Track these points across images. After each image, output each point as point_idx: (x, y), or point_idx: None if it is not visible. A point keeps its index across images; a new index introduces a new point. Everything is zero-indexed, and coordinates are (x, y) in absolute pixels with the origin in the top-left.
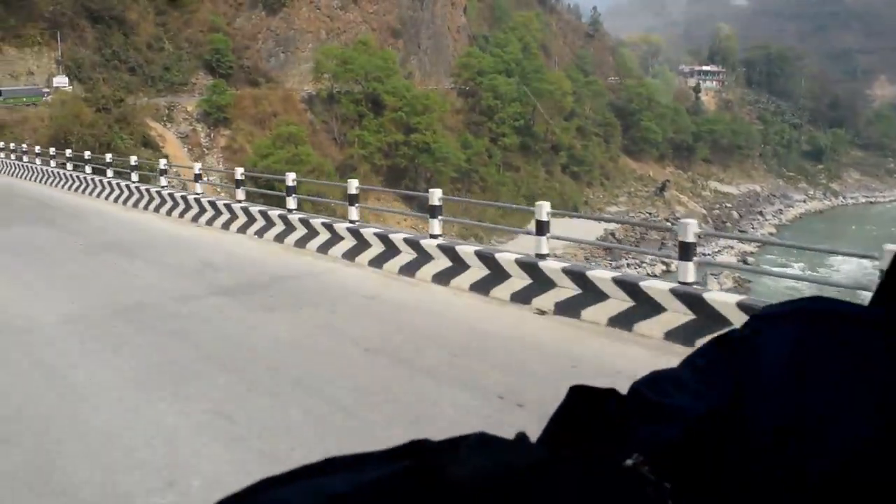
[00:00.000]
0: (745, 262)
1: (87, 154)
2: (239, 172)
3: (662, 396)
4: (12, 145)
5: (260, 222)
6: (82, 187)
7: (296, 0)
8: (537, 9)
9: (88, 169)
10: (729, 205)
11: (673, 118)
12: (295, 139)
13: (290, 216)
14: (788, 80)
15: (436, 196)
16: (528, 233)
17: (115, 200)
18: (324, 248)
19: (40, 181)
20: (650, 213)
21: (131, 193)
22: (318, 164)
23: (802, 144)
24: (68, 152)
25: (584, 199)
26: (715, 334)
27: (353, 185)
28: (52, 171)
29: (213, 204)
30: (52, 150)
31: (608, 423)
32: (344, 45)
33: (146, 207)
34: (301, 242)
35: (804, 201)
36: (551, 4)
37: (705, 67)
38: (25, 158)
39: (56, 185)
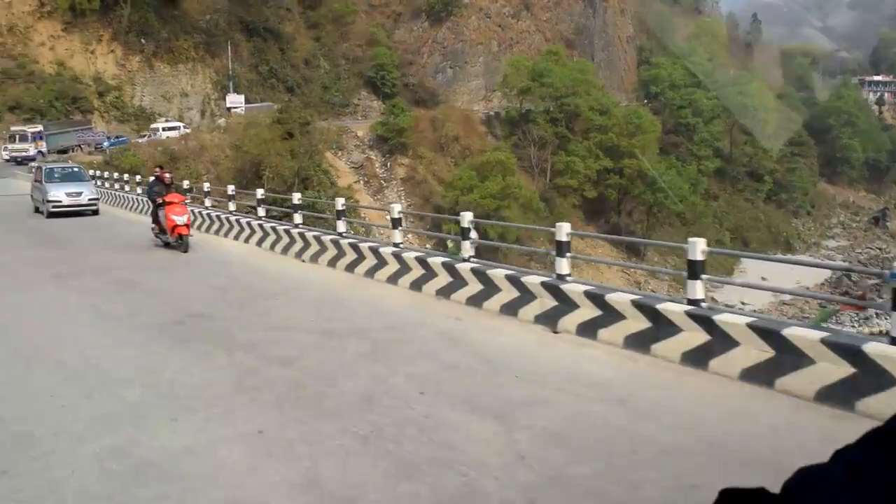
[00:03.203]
0: None
1: (339, 202)
2: None
3: (818, 499)
4: (202, 185)
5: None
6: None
7: (463, 8)
8: (695, 18)
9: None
10: None
11: (870, 136)
12: (503, 168)
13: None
14: None
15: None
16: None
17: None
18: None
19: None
20: (881, 249)
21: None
22: (527, 200)
23: None
24: (340, 203)
25: (795, 231)
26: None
27: None
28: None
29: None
30: (296, 198)
31: None
32: (519, 58)
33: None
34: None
35: None
36: (707, 13)
37: (876, 77)
38: (233, 210)
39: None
